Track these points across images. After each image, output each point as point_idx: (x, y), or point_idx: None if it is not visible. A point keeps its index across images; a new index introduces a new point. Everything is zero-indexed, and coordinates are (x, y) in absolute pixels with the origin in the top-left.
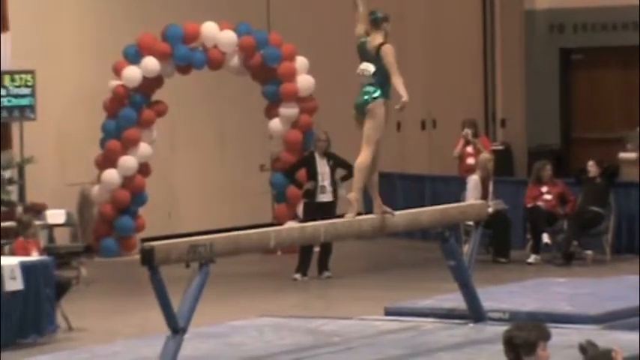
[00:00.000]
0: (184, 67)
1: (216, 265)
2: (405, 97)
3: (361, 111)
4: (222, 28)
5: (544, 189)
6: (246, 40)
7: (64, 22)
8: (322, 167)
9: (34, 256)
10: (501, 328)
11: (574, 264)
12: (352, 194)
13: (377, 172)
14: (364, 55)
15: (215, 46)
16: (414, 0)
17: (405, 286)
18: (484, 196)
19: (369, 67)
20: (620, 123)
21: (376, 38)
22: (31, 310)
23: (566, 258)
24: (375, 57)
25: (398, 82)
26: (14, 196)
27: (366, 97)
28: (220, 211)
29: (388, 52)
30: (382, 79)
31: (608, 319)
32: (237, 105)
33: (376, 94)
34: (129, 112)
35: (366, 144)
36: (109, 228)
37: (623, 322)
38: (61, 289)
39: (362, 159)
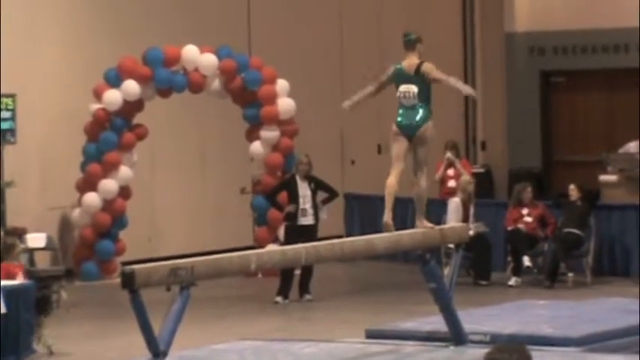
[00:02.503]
0: (165, 91)
1: (197, 289)
2: (470, 91)
3: (407, 132)
4: (202, 52)
5: (525, 211)
6: (226, 64)
7: (46, 46)
8: (303, 190)
9: (20, 280)
10: (482, 351)
11: (555, 286)
12: (422, 222)
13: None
14: (402, 79)
15: (196, 70)
16: (393, 22)
17: (386, 308)
18: (465, 218)
19: (411, 88)
20: (600, 145)
21: (412, 59)
22: (10, 335)
23: (551, 279)
24: (415, 77)
25: (454, 82)
26: None
27: (414, 120)
28: (201, 234)
29: (431, 66)
30: (425, 98)
31: (590, 342)
32: (218, 128)
33: (425, 116)
34: (109, 136)
35: (422, 170)
36: (90, 251)
37: (604, 344)
38: (43, 304)
39: (423, 185)
